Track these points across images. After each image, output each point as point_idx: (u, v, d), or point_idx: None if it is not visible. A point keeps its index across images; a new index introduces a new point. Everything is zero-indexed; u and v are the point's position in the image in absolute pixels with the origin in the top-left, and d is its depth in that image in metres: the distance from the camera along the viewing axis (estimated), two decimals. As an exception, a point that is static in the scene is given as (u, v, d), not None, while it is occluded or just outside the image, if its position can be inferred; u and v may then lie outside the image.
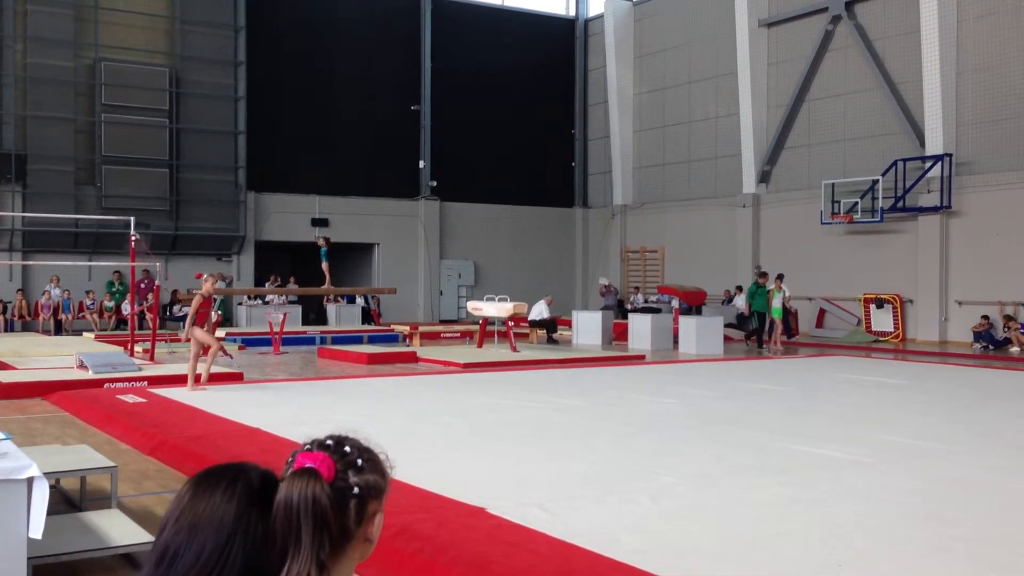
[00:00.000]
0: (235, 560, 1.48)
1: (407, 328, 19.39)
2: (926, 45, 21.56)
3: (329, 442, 1.62)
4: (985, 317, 20.12)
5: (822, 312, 23.90)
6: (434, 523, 4.88)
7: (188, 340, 10.70)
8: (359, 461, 1.60)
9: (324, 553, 1.51)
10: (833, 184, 23.22)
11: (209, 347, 10.47)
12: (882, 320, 22.27)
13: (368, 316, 24.25)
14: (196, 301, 10.53)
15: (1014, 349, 19.08)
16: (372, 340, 18.79)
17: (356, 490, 1.57)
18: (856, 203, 22.62)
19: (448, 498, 5.42)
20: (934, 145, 21.58)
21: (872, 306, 22.58)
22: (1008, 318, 19.81)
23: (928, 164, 21.58)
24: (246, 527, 1.50)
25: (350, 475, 1.58)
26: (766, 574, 4.13)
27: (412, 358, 15.26)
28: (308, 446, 1.61)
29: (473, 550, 4.49)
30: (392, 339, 19.26)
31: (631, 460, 6.81)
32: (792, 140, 25.67)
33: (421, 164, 28.70)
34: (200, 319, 10.53)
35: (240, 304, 23.33)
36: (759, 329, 19.42)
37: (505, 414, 9.16)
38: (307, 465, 1.56)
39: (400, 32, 28.28)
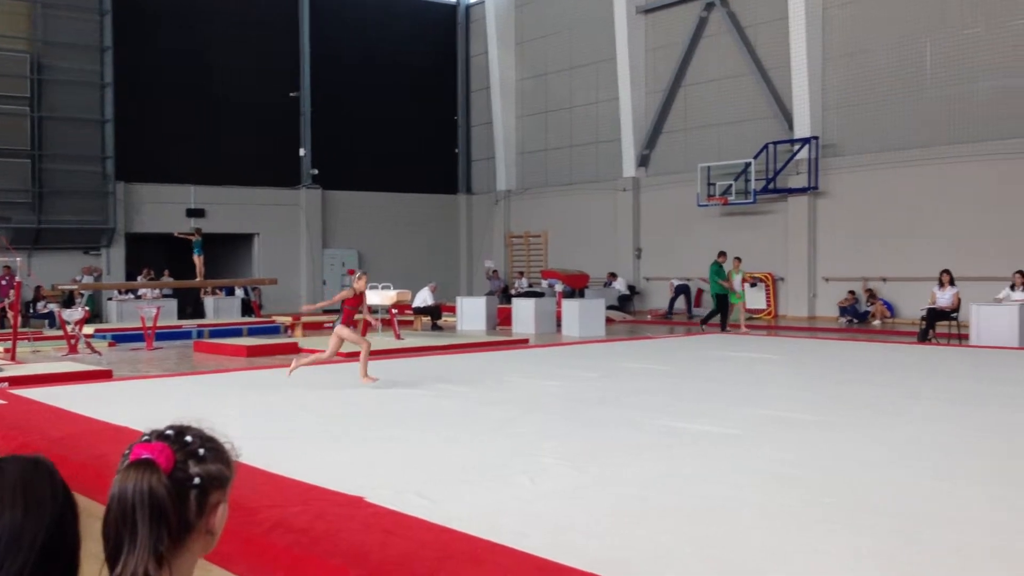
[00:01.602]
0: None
1: (289, 319, 19.00)
2: (794, 32, 22.30)
3: (169, 432, 1.55)
4: (851, 292, 21.01)
5: (700, 292, 24.51)
6: (310, 515, 4.77)
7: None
8: (200, 451, 1.53)
9: (162, 546, 1.45)
10: (708, 167, 23.84)
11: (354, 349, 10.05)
12: (756, 298, 23.01)
13: (248, 308, 23.68)
14: (344, 295, 10.13)
15: (876, 322, 20.02)
16: (252, 332, 18.35)
17: (197, 480, 1.50)
18: (730, 185, 23.29)
19: (326, 489, 5.31)
20: (802, 128, 22.38)
21: (746, 285, 23.28)
22: (871, 292, 20.76)
23: (797, 147, 22.37)
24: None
25: (190, 465, 1.51)
26: (644, 550, 4.19)
27: (294, 349, 14.94)
28: (147, 436, 1.53)
29: (350, 540, 4.41)
30: (274, 331, 18.85)
31: (512, 443, 6.82)
32: (669, 125, 26.21)
33: (302, 152, 28.14)
34: (348, 317, 10.09)
35: (110, 299, 22.44)
36: (721, 311, 18.71)
37: (387, 402, 9.06)
38: (144, 456, 1.49)
39: (278, 17, 27.62)
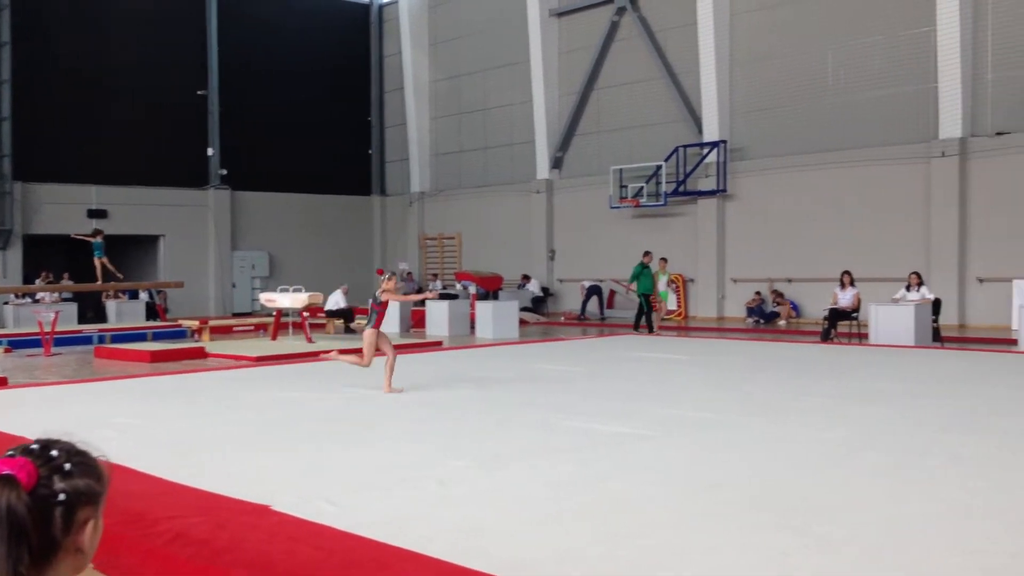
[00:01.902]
0: None
1: (196, 323, 18.54)
2: (703, 37, 22.73)
3: (34, 446, 1.47)
4: (757, 293, 21.51)
5: (612, 293, 24.79)
6: (212, 525, 4.64)
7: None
8: (67, 465, 1.46)
9: (22, 566, 1.37)
10: (621, 169, 24.13)
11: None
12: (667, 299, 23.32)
13: (153, 312, 23.04)
14: (391, 295, 9.91)
15: (782, 322, 20.53)
16: (157, 337, 17.85)
17: (62, 497, 1.43)
18: (642, 188, 23.61)
19: (230, 498, 5.18)
20: (711, 132, 22.82)
21: (672, 286, 23.63)
22: (777, 293, 21.29)
23: (706, 150, 22.80)
24: None
25: (55, 481, 1.43)
26: (553, 550, 4.19)
27: (201, 354, 14.60)
28: (11, 452, 1.46)
29: (254, 550, 4.31)
30: (180, 335, 18.37)
31: (423, 447, 6.77)
32: (583, 127, 26.44)
33: (210, 152, 27.51)
34: (380, 321, 9.77)
35: (6, 303, 21.58)
36: (647, 312, 18.68)
37: (297, 407, 8.92)
38: (3, 472, 1.41)
39: (185, 13, 26.97)
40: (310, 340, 16.30)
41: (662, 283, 19.10)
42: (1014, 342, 14.66)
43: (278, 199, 28.92)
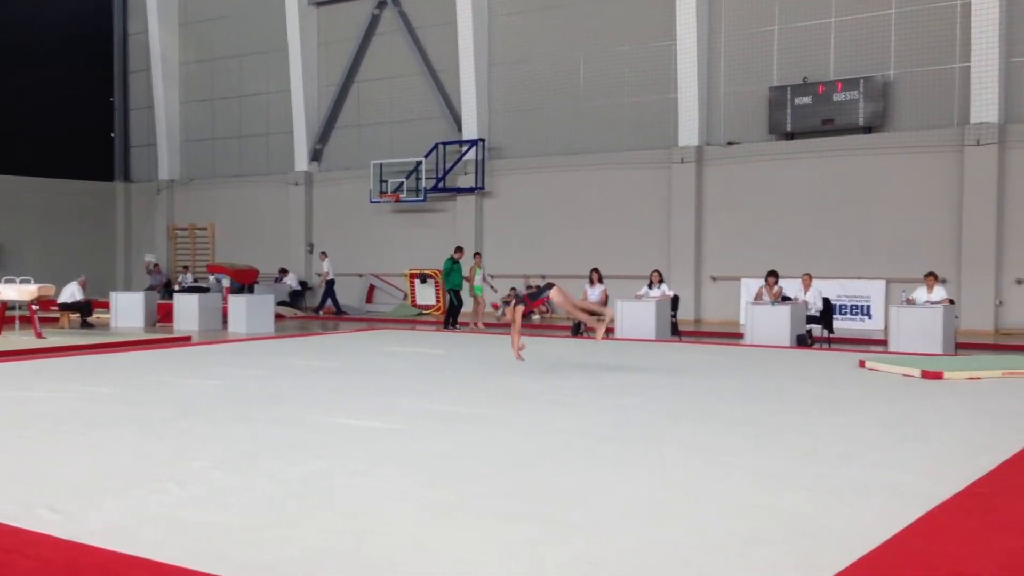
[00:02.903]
0: None
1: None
2: (462, 36, 23.03)
3: None
4: (512, 289, 21.94)
5: (372, 288, 24.66)
6: (-92, 541, 4.13)
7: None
8: None
9: None
10: (381, 164, 24.02)
11: None
12: (426, 294, 23.54)
13: None
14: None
15: (536, 317, 21.18)
16: None
17: None
18: (402, 183, 23.63)
19: (-67, 510, 4.64)
20: (470, 130, 23.19)
21: (417, 281, 23.76)
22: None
23: (465, 148, 23.14)
24: None
25: None
26: (296, 550, 4.06)
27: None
28: None
29: (-40, 566, 3.88)
30: None
31: (163, 447, 6.39)
32: (343, 120, 26.08)
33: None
34: None
35: None
36: (453, 309, 18.53)
37: (20, 408, 8.16)
38: None
39: None
40: (40, 335, 15.03)
41: (477, 278, 19.07)
42: (741, 335, 15.91)
43: (7, 182, 26.48)
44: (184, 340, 15.54)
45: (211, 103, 28.52)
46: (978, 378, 10.11)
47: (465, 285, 19.15)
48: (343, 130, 26.10)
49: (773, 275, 15.66)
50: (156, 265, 27.12)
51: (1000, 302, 17.50)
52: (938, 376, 10.14)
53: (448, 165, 23.34)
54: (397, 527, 4.43)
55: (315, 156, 26.36)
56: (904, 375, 10.47)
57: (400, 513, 4.68)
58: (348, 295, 25.01)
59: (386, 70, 25.08)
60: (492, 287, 19.65)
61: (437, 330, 18.27)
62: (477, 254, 19.51)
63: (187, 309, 18.18)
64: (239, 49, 27.68)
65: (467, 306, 19.64)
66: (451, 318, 18.69)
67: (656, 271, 17.17)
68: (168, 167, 29.11)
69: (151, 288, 23.91)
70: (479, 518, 4.58)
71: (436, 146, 23.46)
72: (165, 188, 29.12)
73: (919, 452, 6.27)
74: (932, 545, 4.13)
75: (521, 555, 4.00)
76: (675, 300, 16.85)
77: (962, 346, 14.52)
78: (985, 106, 17.38)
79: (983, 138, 17.34)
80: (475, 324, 18.78)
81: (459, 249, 19.07)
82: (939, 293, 14.49)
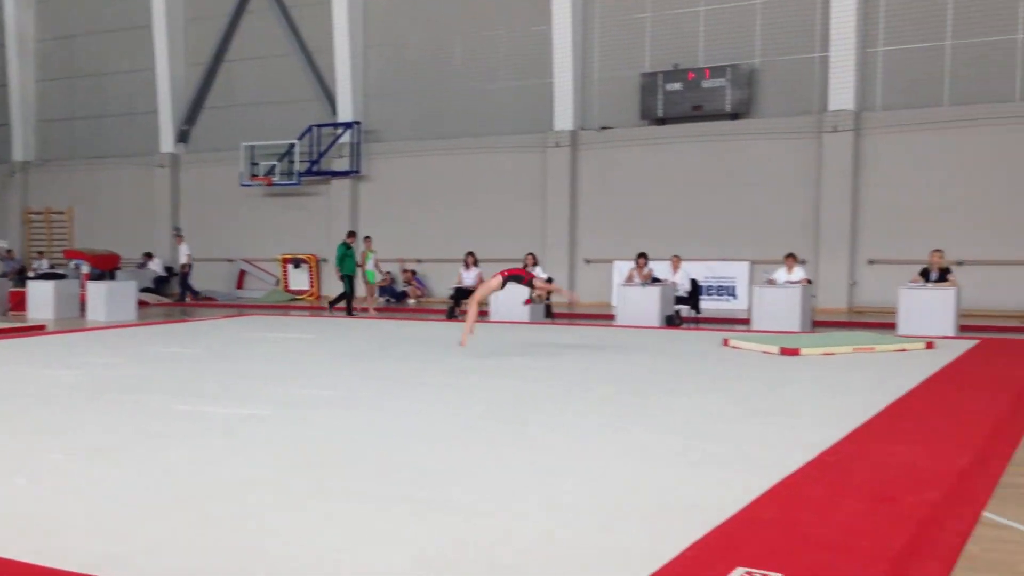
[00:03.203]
0: None
1: None
2: (337, 17, 22.64)
3: None
4: (387, 273, 21.91)
5: (243, 273, 24.06)
6: None
7: None
8: None
9: None
10: (252, 146, 23.42)
11: None
12: (299, 279, 23.12)
13: None
14: None
15: (412, 301, 21.12)
16: None
17: None
18: (274, 166, 23.10)
19: None
20: (345, 113, 22.83)
21: (290, 266, 23.32)
22: (408, 272, 21.84)
23: (340, 131, 22.77)
24: None
25: None
26: (148, 542, 3.91)
27: None
28: None
29: None
30: None
31: (14, 440, 6.07)
32: (212, 100, 25.28)
33: None
34: None
35: None
36: (348, 295, 18.02)
37: None
38: None
39: None
40: None
41: (369, 263, 18.49)
42: (613, 317, 16.21)
43: None
44: (38, 329, 14.80)
45: (70, 81, 27.20)
46: (832, 354, 10.59)
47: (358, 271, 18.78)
48: (212, 111, 25.30)
49: (643, 257, 16.00)
50: (9, 251, 25.75)
51: (854, 282, 18.36)
52: (795, 353, 10.57)
53: (323, 148, 22.92)
54: (257, 515, 4.33)
55: (182, 137, 25.48)
56: (764, 352, 10.88)
57: (261, 501, 4.57)
58: (217, 281, 24.34)
59: (258, 49, 24.42)
60: (381, 271, 19.37)
61: (314, 315, 17.95)
62: (367, 238, 18.97)
63: (41, 296, 17.32)
64: (100, 25, 26.46)
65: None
66: (347, 304, 18.22)
67: (530, 254, 17.31)
68: (22, 148, 27.64)
69: (3, 275, 22.67)
70: (344, 502, 4.52)
71: (310, 128, 23.01)
72: (19, 170, 27.65)
73: (775, 425, 6.52)
74: (783, 513, 4.29)
75: (388, 537, 3.96)
76: (549, 282, 17.00)
77: (819, 324, 15.17)
78: (842, 94, 18.16)
79: (840, 125, 18.13)
80: (364, 310, 18.47)
81: (351, 234, 18.63)
82: (798, 273, 15.10)
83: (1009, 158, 17.10)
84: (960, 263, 16.67)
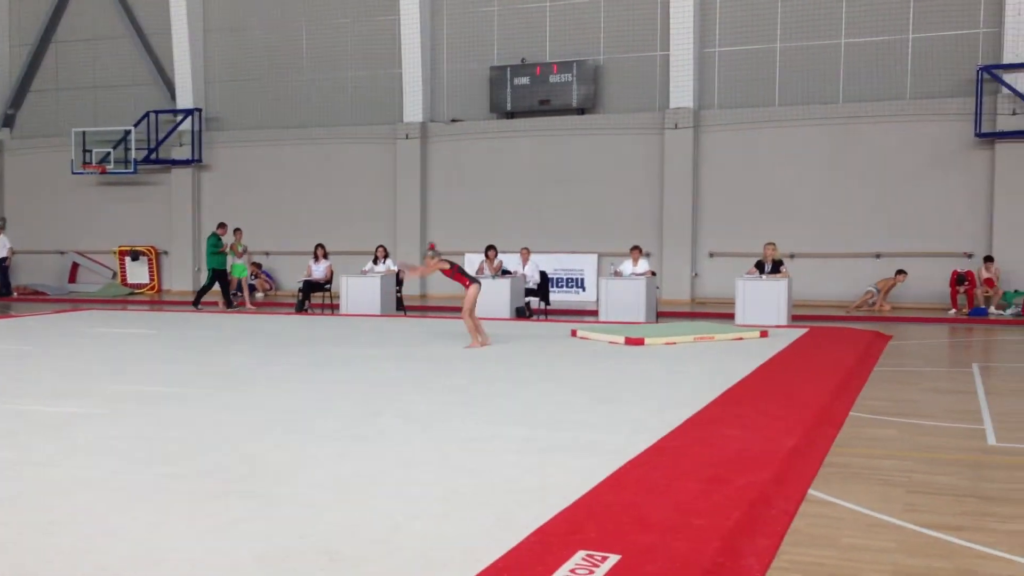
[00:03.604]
0: None
1: None
2: (174, 0, 21.75)
3: None
4: (256, 264, 20.95)
5: (75, 266, 22.88)
6: None
7: None
8: None
9: None
10: (84, 132, 22.25)
11: None
12: (138, 272, 22.17)
13: None
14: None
15: (260, 295, 20.55)
16: None
17: None
18: (109, 153, 22.03)
19: None
20: (185, 99, 22.00)
21: (128, 258, 22.31)
22: (256, 266, 21.23)
23: (180, 118, 21.92)
24: None
25: None
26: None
27: None
28: None
29: None
30: None
31: None
32: (39, 83, 23.90)
33: None
34: None
35: None
36: (223, 287, 17.11)
37: None
38: None
39: None
40: None
41: (240, 257, 17.61)
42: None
43: None
44: None
45: None
46: (674, 343, 10.99)
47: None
48: (39, 94, 23.89)
49: (493, 249, 16.13)
50: None
51: (696, 274, 19.09)
52: (639, 343, 10.90)
53: (161, 136, 22.00)
54: (88, 515, 4.13)
55: (7, 122, 23.97)
56: (610, 342, 11.17)
57: (93, 501, 4.37)
58: (48, 275, 23.03)
59: (89, 31, 23.19)
60: (250, 263, 18.70)
61: (150, 309, 17.22)
62: (238, 230, 18.12)
63: None
64: (-90, -2, 24.52)
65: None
66: (225, 296, 17.45)
67: (381, 246, 17.15)
68: None
69: None
70: (181, 499, 4.37)
71: (147, 115, 22.04)
72: None
73: (619, 412, 6.71)
74: (620, 496, 4.43)
75: (225, 533, 3.86)
76: (399, 275, 16.93)
77: (663, 314, 15.70)
78: (682, 92, 18.81)
79: (680, 122, 18.78)
80: (241, 304, 17.77)
81: (222, 225, 17.74)
82: (643, 265, 15.57)
83: (835, 157, 18.13)
84: (792, 256, 17.58)
